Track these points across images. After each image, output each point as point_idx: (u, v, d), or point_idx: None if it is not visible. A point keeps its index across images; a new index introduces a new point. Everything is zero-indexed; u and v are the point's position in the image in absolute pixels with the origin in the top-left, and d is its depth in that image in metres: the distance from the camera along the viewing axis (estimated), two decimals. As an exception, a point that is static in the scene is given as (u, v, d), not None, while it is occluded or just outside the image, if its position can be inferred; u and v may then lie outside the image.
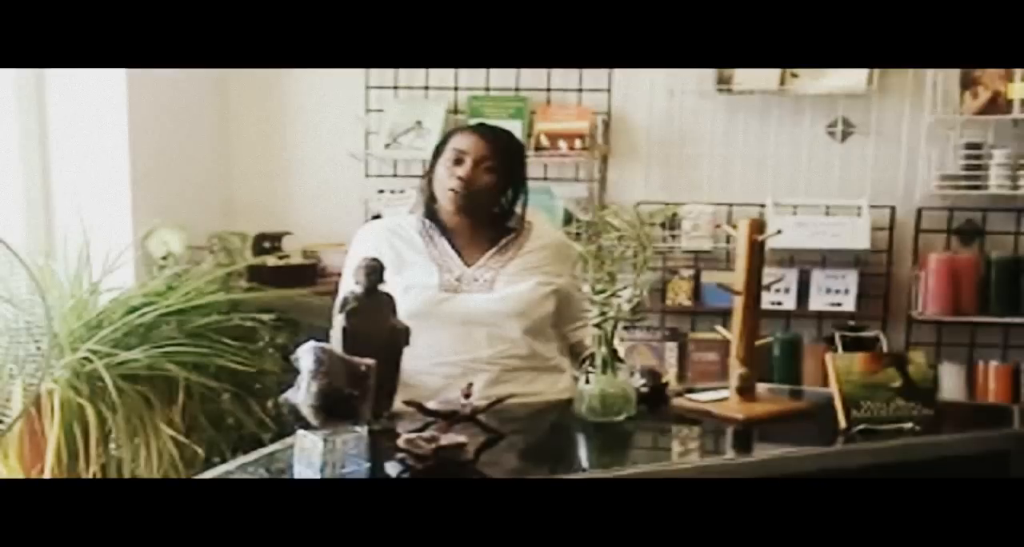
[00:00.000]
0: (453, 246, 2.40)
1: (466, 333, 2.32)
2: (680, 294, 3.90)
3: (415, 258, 2.38)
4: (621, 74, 3.91)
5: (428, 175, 2.45)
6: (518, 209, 2.47)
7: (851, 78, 3.70)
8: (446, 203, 2.37)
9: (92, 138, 3.42)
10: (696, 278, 3.91)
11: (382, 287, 1.94)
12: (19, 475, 2.74)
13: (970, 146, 3.66)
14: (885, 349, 3.65)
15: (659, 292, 3.91)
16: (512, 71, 3.92)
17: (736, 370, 2.12)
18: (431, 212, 2.43)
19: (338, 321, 1.86)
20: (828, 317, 3.84)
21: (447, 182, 2.35)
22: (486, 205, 2.40)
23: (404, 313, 2.24)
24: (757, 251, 2.12)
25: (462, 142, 2.37)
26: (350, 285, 1.97)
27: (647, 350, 3.89)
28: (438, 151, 2.42)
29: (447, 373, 2.28)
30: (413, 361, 2.22)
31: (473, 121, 3.68)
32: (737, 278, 2.13)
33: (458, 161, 2.35)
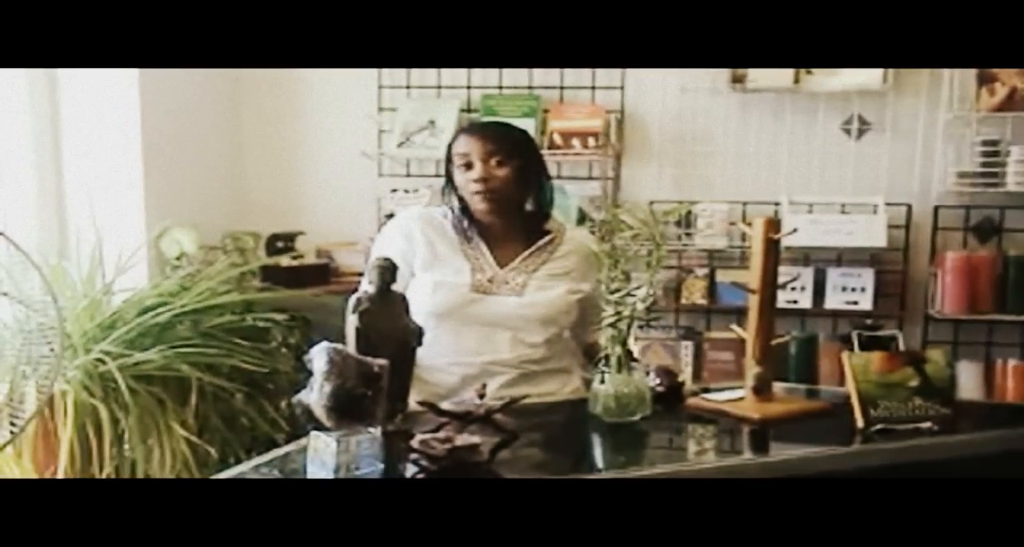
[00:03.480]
0: (489, 246, 2.39)
1: (490, 335, 2.31)
2: (695, 293, 3.88)
3: (448, 253, 2.37)
4: (634, 72, 3.89)
5: (449, 182, 2.44)
6: (548, 207, 2.46)
7: (866, 75, 3.68)
8: (478, 205, 2.36)
9: (104, 138, 3.42)
10: (711, 276, 3.89)
11: (399, 285, 1.92)
12: (32, 476, 2.74)
13: (987, 143, 3.62)
14: (902, 348, 3.63)
15: (673, 291, 3.89)
16: (525, 69, 3.91)
17: (752, 369, 2.11)
18: (466, 211, 2.42)
19: (351, 321, 1.85)
20: (844, 316, 3.81)
21: (469, 187, 2.34)
22: (516, 199, 2.39)
23: (431, 310, 2.25)
24: (773, 250, 2.10)
25: (463, 146, 2.36)
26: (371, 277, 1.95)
27: (661, 349, 3.87)
28: (448, 160, 2.42)
29: (465, 373, 2.28)
30: (432, 358, 2.22)
31: (486, 120, 3.67)
32: (753, 277, 2.12)
33: (468, 165, 2.34)
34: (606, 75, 3.90)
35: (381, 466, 1.61)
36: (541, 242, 2.41)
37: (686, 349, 3.88)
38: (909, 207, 3.75)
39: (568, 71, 3.91)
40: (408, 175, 4.05)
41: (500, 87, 3.95)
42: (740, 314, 2.24)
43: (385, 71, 4.00)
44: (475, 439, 1.70)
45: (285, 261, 3.74)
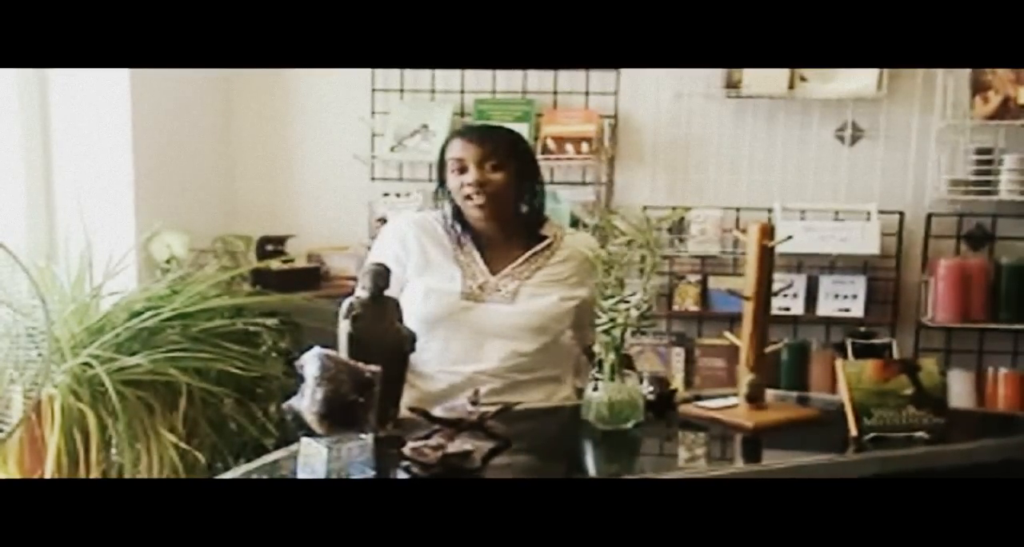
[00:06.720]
0: (482, 252, 2.37)
1: (480, 343, 2.29)
2: (687, 299, 3.87)
3: (440, 259, 2.35)
4: (628, 77, 3.88)
5: (441, 186, 2.41)
6: (541, 211, 2.44)
7: (860, 82, 3.67)
8: (471, 211, 2.34)
9: (95, 140, 3.40)
10: (703, 283, 3.88)
11: (394, 291, 1.91)
12: (19, 480, 2.72)
13: (980, 151, 3.62)
14: (896, 356, 3.62)
15: (666, 297, 3.88)
16: (519, 74, 3.90)
17: (745, 377, 2.10)
18: (459, 216, 2.39)
19: (343, 327, 1.84)
20: (836, 323, 3.81)
21: (463, 191, 2.32)
22: (511, 204, 2.37)
23: (421, 317, 2.23)
24: (767, 257, 2.09)
25: (457, 150, 2.34)
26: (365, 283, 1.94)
27: (653, 355, 3.86)
28: (441, 164, 2.39)
29: (452, 381, 2.26)
30: (422, 365, 2.21)
31: (479, 124, 3.66)
32: (747, 283, 2.11)
33: (462, 169, 2.32)
34: (600, 80, 3.89)
35: (372, 473, 1.60)
36: (538, 247, 2.39)
37: (678, 355, 3.87)
38: (902, 214, 3.75)
39: (562, 76, 3.90)
40: (400, 179, 4.04)
41: (494, 91, 3.93)
42: (732, 320, 2.23)
43: (378, 74, 3.98)
44: (467, 446, 1.68)
45: (276, 265, 3.71)
